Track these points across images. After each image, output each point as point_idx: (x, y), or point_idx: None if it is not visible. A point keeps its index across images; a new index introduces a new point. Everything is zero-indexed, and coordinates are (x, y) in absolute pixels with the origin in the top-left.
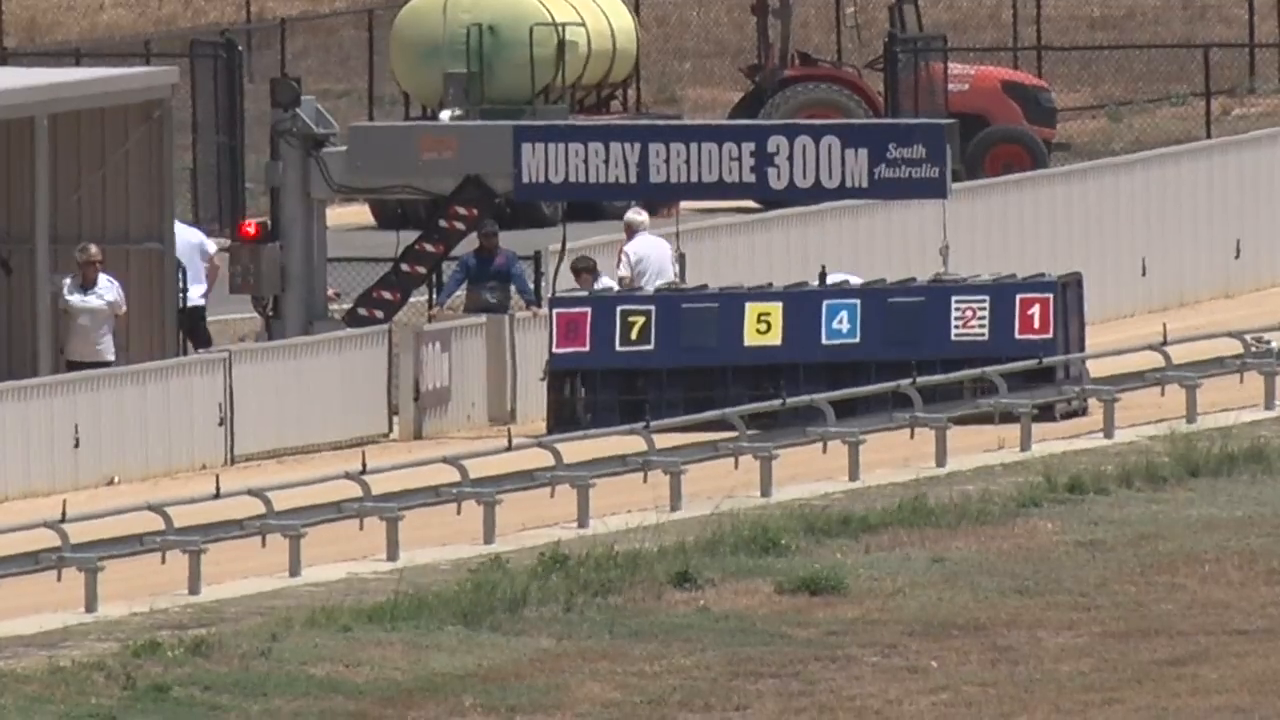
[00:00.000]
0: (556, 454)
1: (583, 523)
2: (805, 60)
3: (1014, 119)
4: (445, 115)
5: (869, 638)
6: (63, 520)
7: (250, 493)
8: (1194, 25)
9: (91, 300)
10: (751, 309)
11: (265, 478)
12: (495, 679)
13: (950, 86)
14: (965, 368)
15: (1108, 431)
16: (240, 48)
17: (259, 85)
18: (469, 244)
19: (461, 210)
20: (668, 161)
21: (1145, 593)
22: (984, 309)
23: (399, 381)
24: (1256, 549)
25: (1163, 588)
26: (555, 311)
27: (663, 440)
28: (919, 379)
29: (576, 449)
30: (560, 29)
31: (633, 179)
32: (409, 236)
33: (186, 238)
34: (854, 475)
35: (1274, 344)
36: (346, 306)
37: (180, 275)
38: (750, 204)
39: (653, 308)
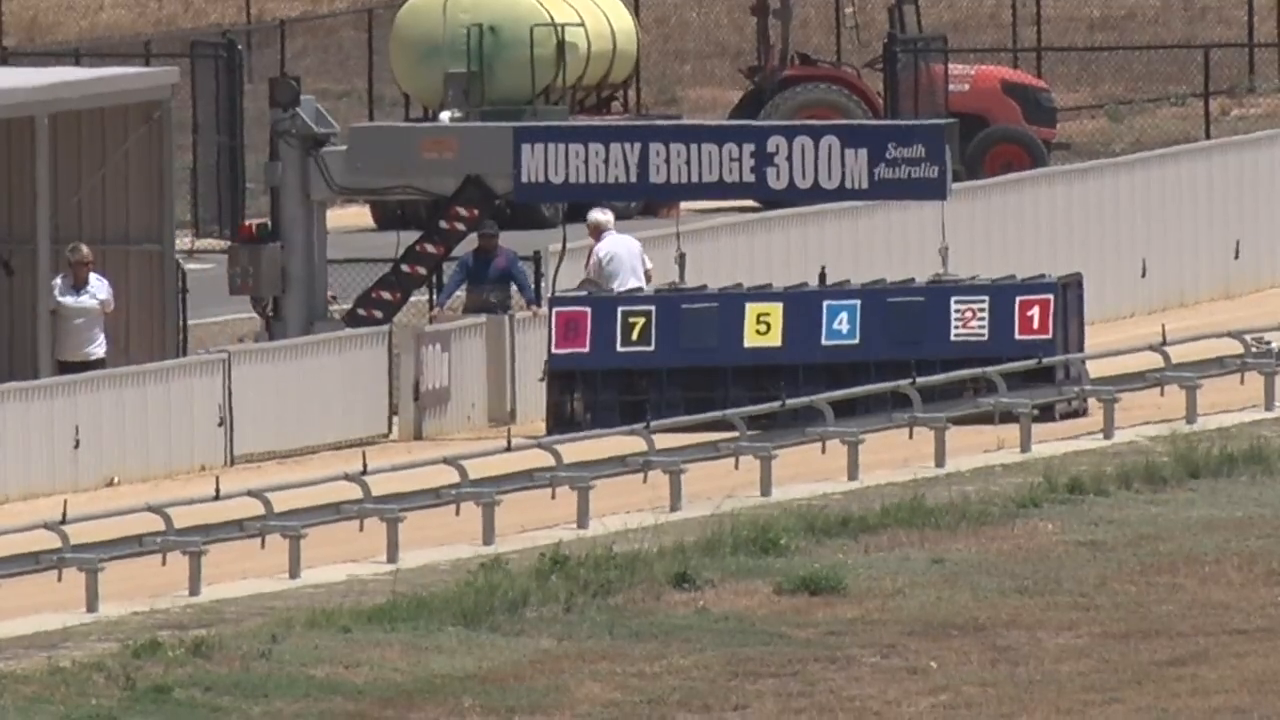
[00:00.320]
0: (556, 455)
1: (582, 523)
2: (805, 61)
3: (1014, 119)
4: (445, 116)
5: (868, 638)
6: (63, 521)
7: (250, 494)
8: (1194, 26)
9: (85, 300)
10: (751, 309)
11: (265, 479)
12: (495, 680)
13: (950, 87)
14: (965, 368)
15: (1108, 432)
16: (240, 48)
17: (259, 86)
18: (468, 244)
19: (462, 211)
20: (667, 162)
21: (1145, 593)
22: (983, 310)
23: (399, 382)
24: (1256, 550)
25: (1163, 588)
26: (555, 311)
27: (663, 441)
28: (918, 379)
29: (576, 450)
30: (560, 29)
31: (633, 179)
32: (409, 237)
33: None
34: (853, 475)
35: (1274, 344)
36: (344, 308)
37: None
38: (750, 204)
39: (653, 308)
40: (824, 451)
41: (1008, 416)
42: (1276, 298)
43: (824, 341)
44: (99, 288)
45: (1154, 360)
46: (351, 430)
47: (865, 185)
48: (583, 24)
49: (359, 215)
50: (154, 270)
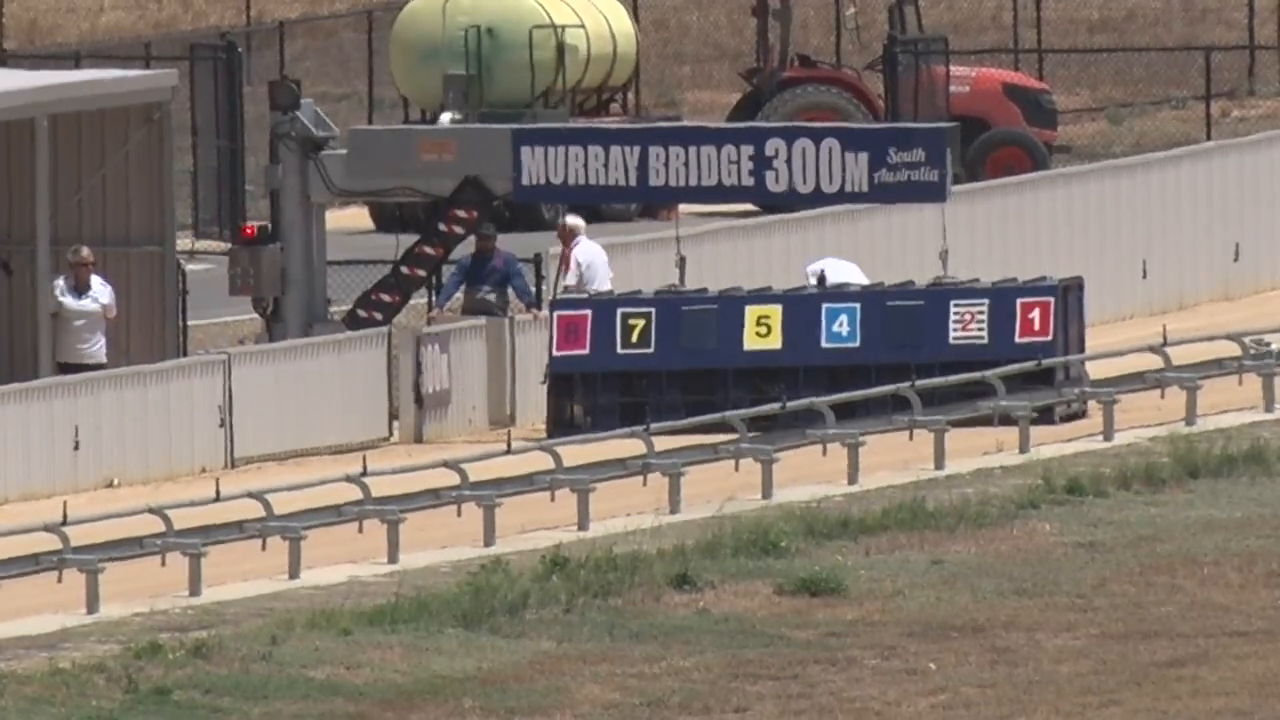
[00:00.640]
0: (556, 457)
1: (583, 525)
2: (805, 62)
3: (1014, 121)
4: (445, 118)
5: (868, 639)
6: (63, 523)
7: (250, 495)
8: (1194, 28)
9: (86, 303)
10: (751, 312)
11: (265, 480)
12: (495, 681)
13: (951, 89)
14: (964, 371)
15: (1107, 433)
16: (240, 50)
17: (258, 88)
18: (467, 246)
19: (461, 213)
20: (667, 165)
21: (1144, 594)
22: (982, 313)
23: (399, 384)
24: (1256, 551)
25: (1162, 589)
26: (555, 314)
27: (663, 443)
28: (918, 382)
29: (576, 452)
30: (560, 32)
31: (632, 182)
32: (408, 239)
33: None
34: (853, 478)
35: (1273, 346)
36: (343, 309)
37: None
38: (750, 207)
39: (653, 310)
40: (824, 454)
41: (1007, 419)
42: (1276, 300)
43: (824, 344)
44: (102, 292)
45: (1154, 362)
46: (351, 432)
47: (865, 189)
48: (582, 26)
49: (358, 217)
50: (154, 272)
